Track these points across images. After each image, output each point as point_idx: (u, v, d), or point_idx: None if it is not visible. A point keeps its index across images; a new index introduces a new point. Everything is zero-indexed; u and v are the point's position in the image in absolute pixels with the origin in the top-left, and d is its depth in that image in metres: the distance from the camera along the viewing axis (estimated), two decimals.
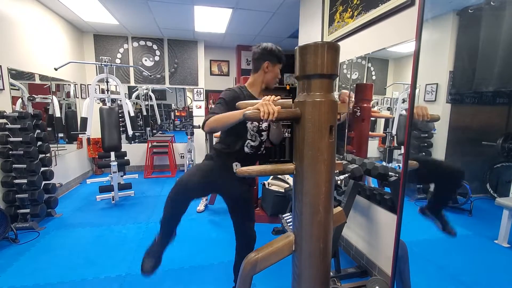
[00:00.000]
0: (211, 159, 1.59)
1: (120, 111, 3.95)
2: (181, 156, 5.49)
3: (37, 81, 3.56)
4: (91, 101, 3.52)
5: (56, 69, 3.56)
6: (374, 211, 2.12)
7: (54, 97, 3.80)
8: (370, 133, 2.40)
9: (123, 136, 4.57)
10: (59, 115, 3.88)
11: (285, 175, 3.21)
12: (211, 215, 3.38)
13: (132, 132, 3.72)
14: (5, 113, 2.78)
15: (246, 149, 1.55)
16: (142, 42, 5.27)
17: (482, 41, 1.36)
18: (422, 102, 1.60)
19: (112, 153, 3.57)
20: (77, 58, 4.69)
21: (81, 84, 4.81)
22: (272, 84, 1.61)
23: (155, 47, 5.33)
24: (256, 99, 1.54)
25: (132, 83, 5.33)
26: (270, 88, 1.64)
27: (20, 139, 2.76)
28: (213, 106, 1.38)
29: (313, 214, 0.88)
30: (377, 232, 2.10)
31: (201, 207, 3.48)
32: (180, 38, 5.39)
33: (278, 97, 1.18)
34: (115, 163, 3.57)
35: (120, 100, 3.82)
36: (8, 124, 2.77)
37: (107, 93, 3.63)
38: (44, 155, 3.03)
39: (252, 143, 1.56)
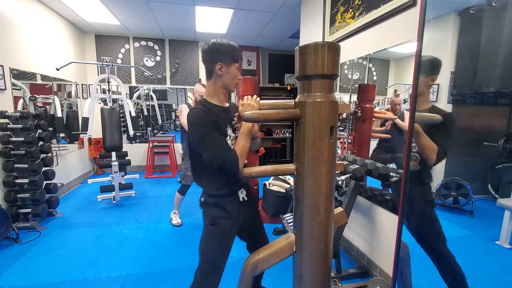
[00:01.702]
0: (219, 215, 1.35)
1: (121, 111, 3.96)
2: (182, 157, 5.50)
3: (39, 81, 3.57)
4: (92, 101, 3.52)
5: (57, 69, 3.57)
6: (375, 212, 2.12)
7: (55, 97, 3.81)
8: (372, 134, 2.40)
9: (124, 136, 4.58)
10: (61, 115, 3.89)
11: (286, 175, 3.21)
12: None
13: (133, 132, 3.73)
14: (7, 113, 2.79)
15: None
16: (143, 42, 5.28)
17: (484, 42, 1.36)
18: None
19: (113, 153, 3.58)
20: (78, 58, 4.70)
21: (82, 84, 4.82)
22: (232, 87, 1.36)
23: (156, 47, 5.34)
24: (225, 108, 1.37)
25: (133, 83, 5.34)
26: (231, 91, 1.39)
27: (22, 139, 2.76)
28: (195, 137, 1.25)
29: (314, 215, 0.88)
30: (378, 233, 2.09)
31: None
32: (181, 39, 5.39)
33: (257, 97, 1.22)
34: (116, 163, 3.57)
35: (121, 100, 3.82)
36: (10, 124, 2.78)
37: (109, 93, 3.63)
38: (45, 155, 3.04)
39: None
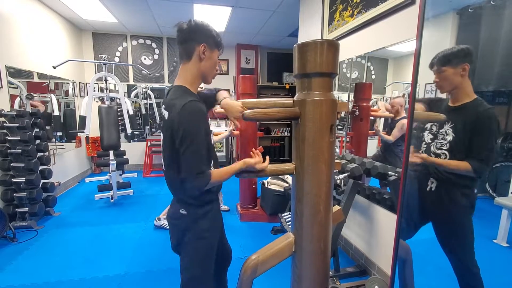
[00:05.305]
0: (208, 227, 1.17)
1: (119, 109, 3.94)
2: None
3: (36, 79, 3.53)
4: (89, 100, 3.50)
5: (54, 67, 3.54)
6: (374, 211, 2.12)
7: (52, 95, 3.78)
8: (369, 132, 2.40)
9: (122, 135, 4.55)
10: (58, 114, 3.86)
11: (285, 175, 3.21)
12: None
13: (131, 130, 3.71)
14: (3, 112, 2.76)
15: None
16: (141, 41, 5.24)
17: (482, 41, 1.36)
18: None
19: (111, 152, 3.56)
20: (75, 56, 4.67)
21: (79, 83, 4.79)
22: (210, 78, 1.16)
23: (154, 45, 5.31)
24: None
25: (131, 82, 5.31)
26: (207, 83, 1.18)
27: (18, 137, 2.74)
28: (190, 146, 1.00)
29: (314, 215, 0.88)
30: (377, 232, 2.10)
31: None
32: None
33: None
34: (114, 162, 3.55)
35: (119, 99, 3.80)
36: (6, 123, 2.76)
37: (106, 91, 3.61)
38: (42, 153, 3.01)
39: None
